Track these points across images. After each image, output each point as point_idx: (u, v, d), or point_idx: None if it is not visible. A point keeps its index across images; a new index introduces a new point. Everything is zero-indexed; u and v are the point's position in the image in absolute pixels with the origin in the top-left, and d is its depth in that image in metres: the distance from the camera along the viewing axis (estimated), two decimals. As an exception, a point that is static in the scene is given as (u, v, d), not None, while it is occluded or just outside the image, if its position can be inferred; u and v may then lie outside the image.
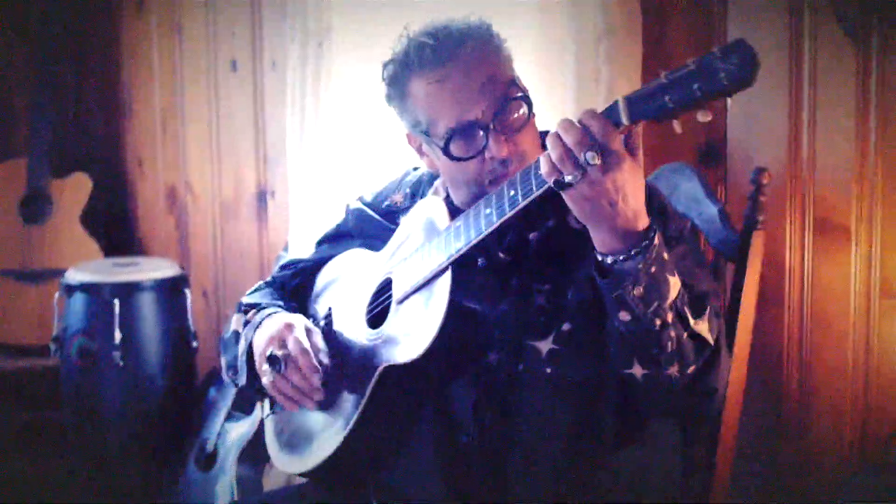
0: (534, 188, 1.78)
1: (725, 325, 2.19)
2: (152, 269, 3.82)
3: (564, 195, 1.72)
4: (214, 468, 3.40)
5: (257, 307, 2.25)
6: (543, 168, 1.72)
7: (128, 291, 3.68)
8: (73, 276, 3.75)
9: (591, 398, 1.91)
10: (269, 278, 2.40)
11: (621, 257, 1.74)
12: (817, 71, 2.44)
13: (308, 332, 2.10)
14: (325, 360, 2.07)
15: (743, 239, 2.25)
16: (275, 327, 2.11)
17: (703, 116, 1.60)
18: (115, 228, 4.46)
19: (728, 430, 2.23)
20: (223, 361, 2.27)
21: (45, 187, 4.28)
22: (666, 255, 1.76)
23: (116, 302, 3.63)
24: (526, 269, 1.96)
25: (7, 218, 4.28)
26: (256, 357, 2.13)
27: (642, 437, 2.11)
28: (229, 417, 3.47)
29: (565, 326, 1.97)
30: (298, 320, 2.13)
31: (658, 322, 1.76)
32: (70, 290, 3.71)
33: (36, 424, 4.07)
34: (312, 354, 2.04)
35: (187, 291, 3.79)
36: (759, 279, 2.25)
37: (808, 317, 2.49)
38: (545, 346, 1.97)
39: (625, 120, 1.65)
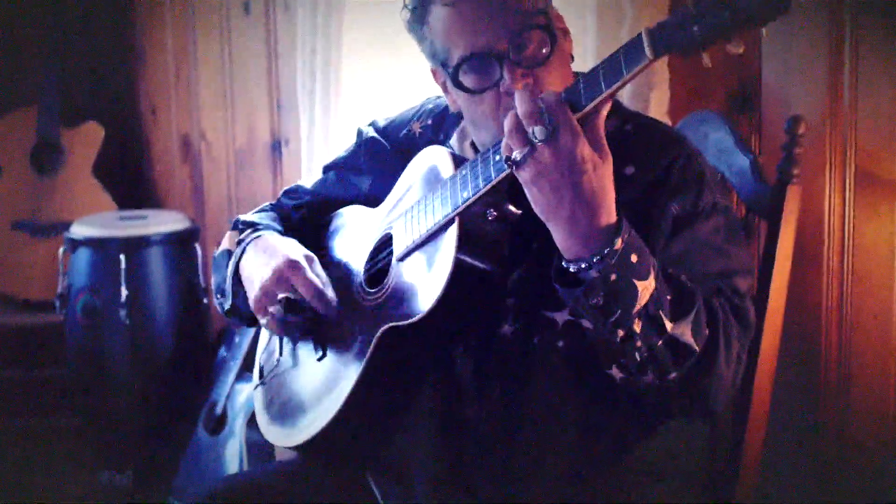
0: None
1: (758, 288, 2.10)
2: (160, 222, 3.77)
3: (519, 179, 1.64)
4: (224, 432, 3.35)
5: (254, 227, 2.16)
6: (504, 140, 1.64)
7: (135, 246, 3.63)
8: (78, 230, 3.71)
9: (604, 379, 1.75)
10: (273, 202, 2.31)
11: (583, 265, 1.64)
12: (859, 10, 2.29)
13: (310, 261, 2.01)
14: (331, 293, 1.99)
15: (777, 194, 2.13)
16: (274, 261, 2.00)
17: (734, 48, 1.47)
18: (129, 179, 4.39)
19: (760, 399, 2.11)
20: (213, 281, 2.21)
21: (55, 137, 4.23)
22: (635, 258, 1.63)
23: (122, 257, 3.58)
24: (547, 232, 1.80)
25: (18, 169, 4.23)
26: (247, 280, 2.05)
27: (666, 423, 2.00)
28: (240, 378, 3.41)
29: None
30: (298, 253, 2.02)
31: (621, 332, 1.64)
32: (74, 244, 3.68)
33: (42, 381, 4.02)
34: (327, 293, 1.97)
35: (197, 246, 3.73)
36: (795, 237, 2.13)
37: (848, 279, 2.37)
38: (562, 317, 1.83)
39: (649, 54, 1.50)
